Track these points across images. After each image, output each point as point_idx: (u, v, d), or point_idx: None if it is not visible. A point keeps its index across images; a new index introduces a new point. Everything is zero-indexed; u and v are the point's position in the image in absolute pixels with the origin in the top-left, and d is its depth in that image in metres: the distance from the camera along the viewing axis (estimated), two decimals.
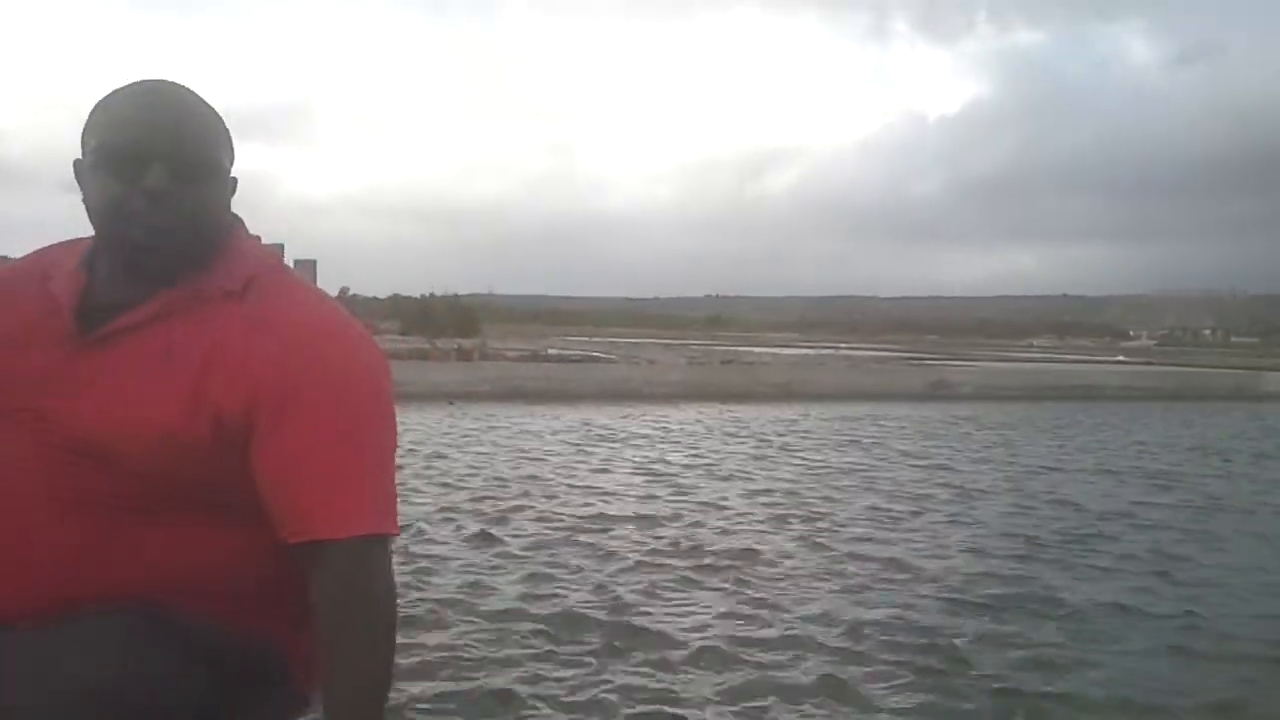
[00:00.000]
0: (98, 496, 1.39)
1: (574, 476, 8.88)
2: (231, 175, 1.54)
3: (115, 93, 1.48)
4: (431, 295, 49.32)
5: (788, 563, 5.78)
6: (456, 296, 49.62)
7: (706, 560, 5.73)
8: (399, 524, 1.50)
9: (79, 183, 1.50)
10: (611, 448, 11.16)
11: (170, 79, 1.51)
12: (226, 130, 1.54)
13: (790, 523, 7.03)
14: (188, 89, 1.50)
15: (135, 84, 1.49)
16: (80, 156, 1.49)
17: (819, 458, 10.85)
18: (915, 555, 6.05)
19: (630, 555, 5.78)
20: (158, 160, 1.41)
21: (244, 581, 1.49)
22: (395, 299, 54.23)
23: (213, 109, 1.52)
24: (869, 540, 6.50)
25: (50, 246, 1.62)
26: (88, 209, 1.47)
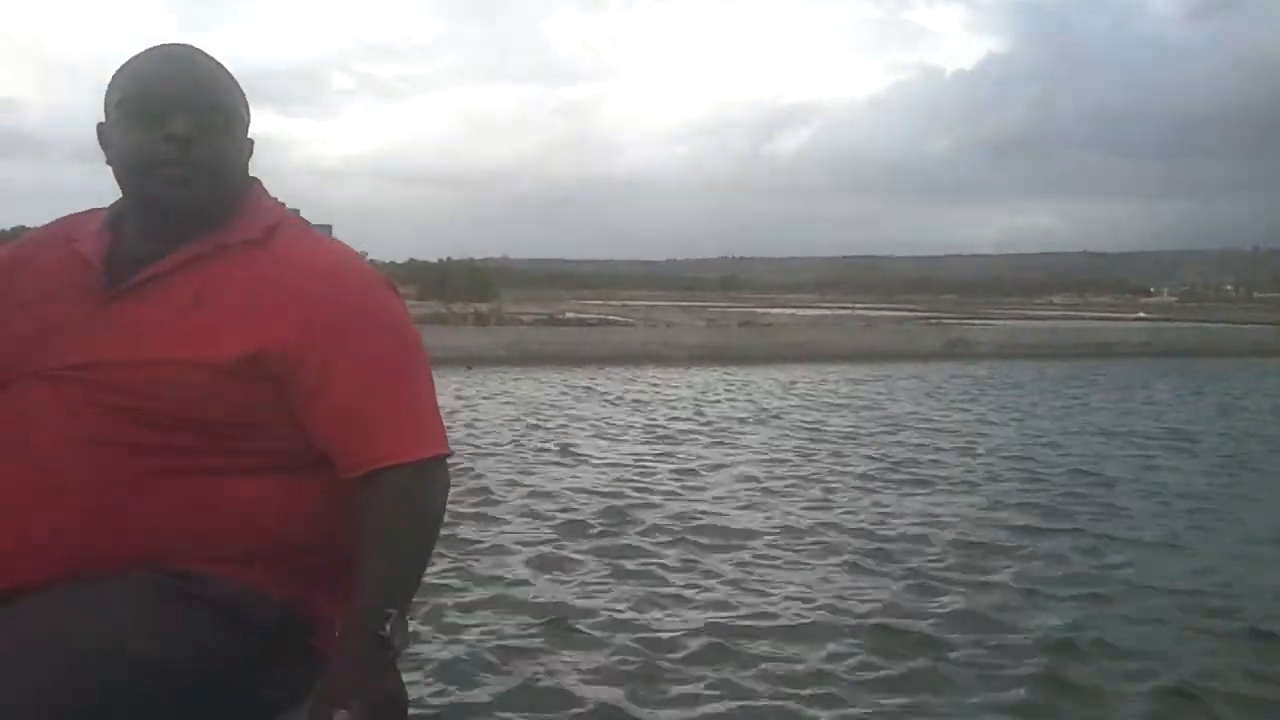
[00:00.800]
0: (127, 449, 1.41)
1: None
2: (249, 136, 1.60)
3: (136, 56, 1.54)
4: (448, 260, 49.34)
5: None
6: (473, 261, 49.62)
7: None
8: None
9: (103, 145, 1.55)
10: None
11: (190, 45, 1.57)
12: (242, 90, 1.59)
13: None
14: (207, 54, 1.56)
15: (155, 47, 1.55)
16: (103, 120, 1.54)
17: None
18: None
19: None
20: (180, 108, 1.47)
21: (268, 540, 1.50)
22: (412, 264, 54.27)
23: (231, 75, 1.58)
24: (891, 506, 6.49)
25: (71, 215, 1.66)
26: (114, 165, 1.53)
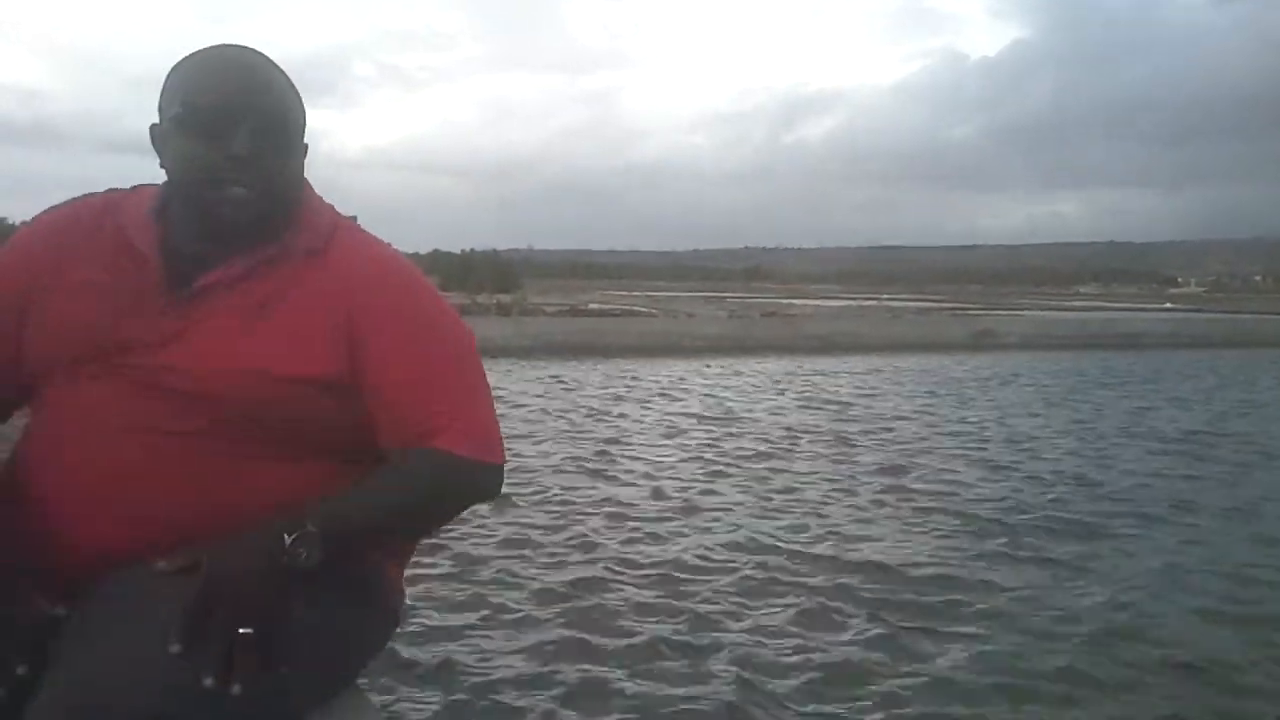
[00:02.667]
0: (194, 439, 1.44)
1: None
2: (303, 141, 1.59)
3: (193, 58, 1.52)
4: (471, 251, 49.50)
5: None
6: (496, 252, 49.72)
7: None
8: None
9: (157, 147, 1.53)
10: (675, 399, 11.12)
11: (244, 45, 1.54)
12: (300, 97, 1.58)
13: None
14: (264, 55, 1.55)
15: (212, 50, 1.52)
16: (157, 121, 1.52)
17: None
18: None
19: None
20: (242, 124, 1.45)
21: None
22: (435, 254, 54.41)
23: (289, 80, 1.56)
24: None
25: (112, 193, 1.64)
26: (170, 172, 1.51)
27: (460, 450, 1.49)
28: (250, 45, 1.55)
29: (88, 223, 1.57)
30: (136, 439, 1.43)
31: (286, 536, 1.38)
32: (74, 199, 1.64)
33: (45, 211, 1.62)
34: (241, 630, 1.30)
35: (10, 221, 37.13)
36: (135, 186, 1.64)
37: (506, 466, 1.57)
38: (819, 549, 5.18)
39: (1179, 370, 16.84)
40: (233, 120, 1.45)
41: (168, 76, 1.52)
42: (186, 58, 1.53)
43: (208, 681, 1.25)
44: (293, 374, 1.46)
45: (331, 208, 1.65)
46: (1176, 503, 6.50)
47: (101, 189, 1.68)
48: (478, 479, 1.54)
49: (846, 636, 3.92)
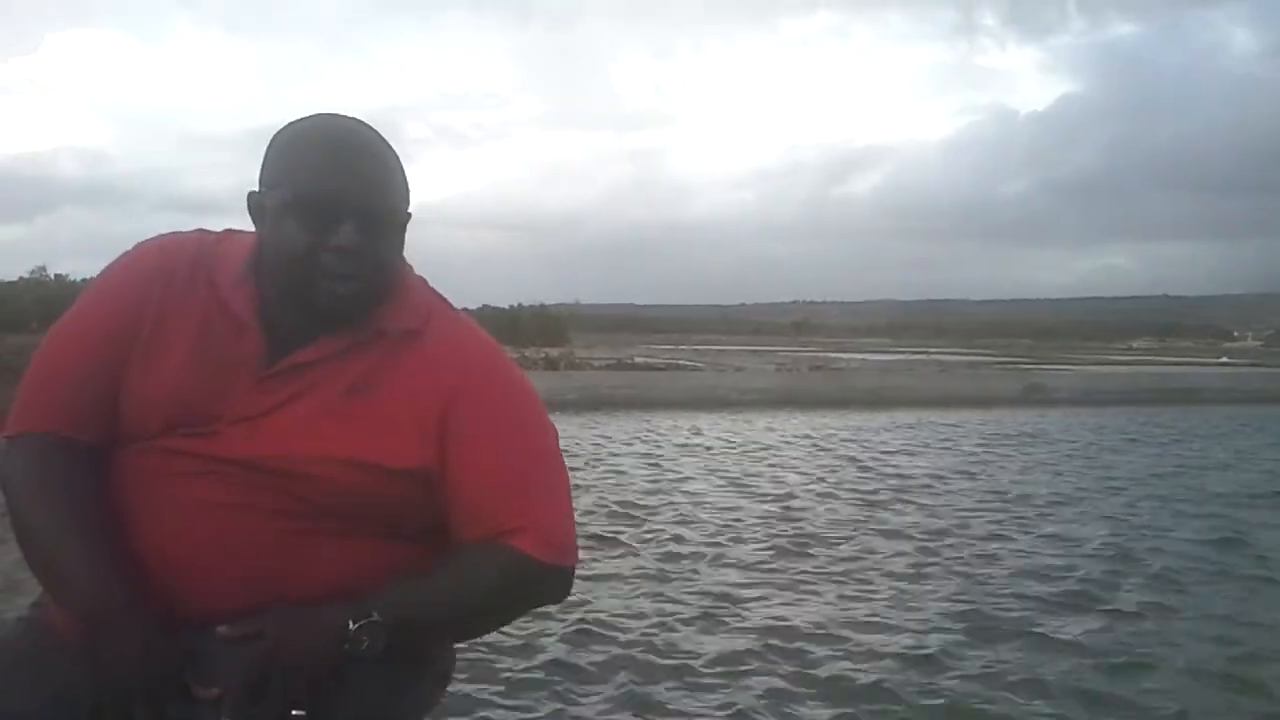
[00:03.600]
0: (276, 516, 1.43)
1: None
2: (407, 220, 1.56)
3: (302, 133, 1.48)
4: (519, 306, 49.76)
5: None
6: (544, 306, 49.94)
7: None
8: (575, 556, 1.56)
9: (254, 217, 1.51)
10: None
11: (353, 118, 1.51)
12: (405, 175, 1.54)
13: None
14: (373, 131, 1.51)
15: (322, 125, 1.49)
16: (257, 190, 1.50)
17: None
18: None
19: None
20: (350, 217, 1.43)
21: None
22: (484, 309, 54.78)
23: (394, 152, 1.52)
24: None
25: (206, 239, 1.60)
26: (269, 251, 1.49)
27: (533, 552, 1.47)
28: (357, 118, 1.51)
29: (185, 273, 1.53)
30: (214, 512, 1.43)
31: (352, 624, 1.39)
32: (164, 238, 1.60)
33: (139, 250, 1.58)
34: (295, 712, 1.32)
35: (73, 278, 37.94)
36: (225, 233, 1.61)
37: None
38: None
39: (1238, 426, 16.48)
40: (341, 213, 1.42)
41: (271, 145, 1.49)
42: (292, 129, 1.49)
43: None
44: (381, 463, 1.45)
45: (425, 283, 1.63)
46: None
47: (167, 231, 1.63)
48: (547, 581, 1.52)
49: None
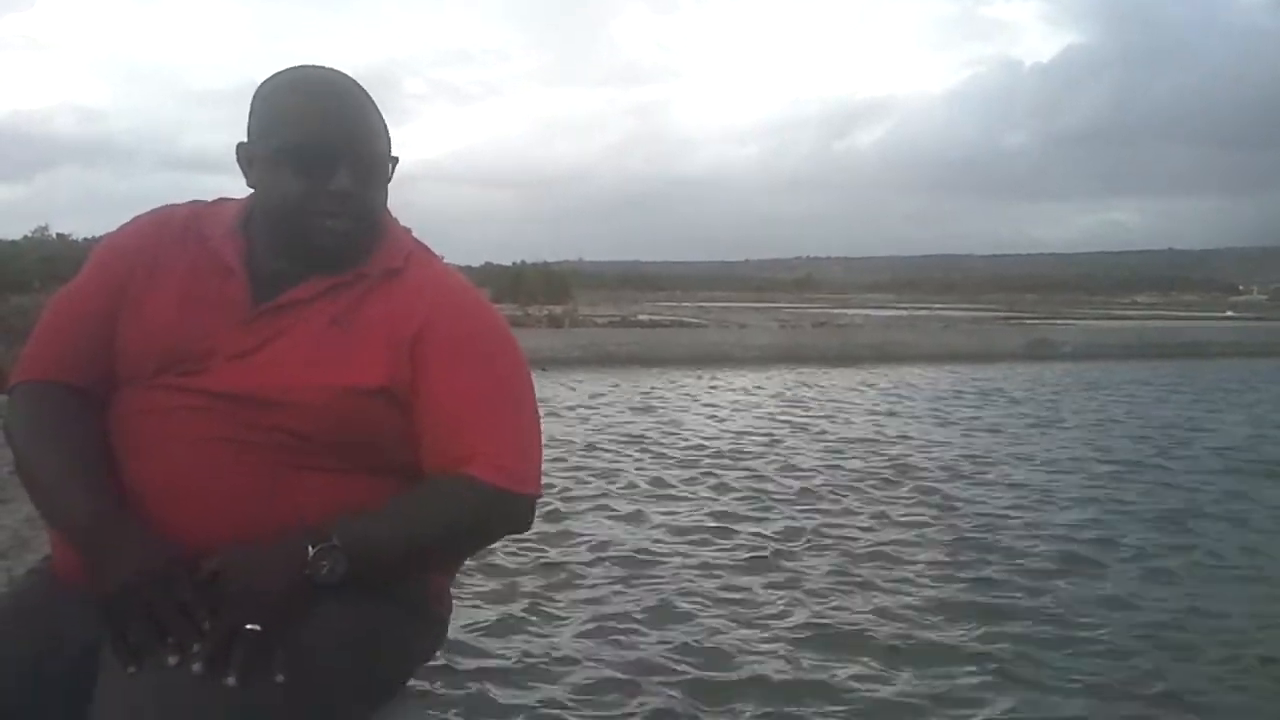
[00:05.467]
0: (264, 450, 1.49)
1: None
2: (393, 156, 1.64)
3: (285, 85, 1.58)
4: (522, 263, 49.78)
5: None
6: (547, 264, 49.95)
7: None
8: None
9: (244, 166, 1.60)
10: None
11: (331, 68, 1.60)
12: (385, 121, 1.63)
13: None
14: (354, 82, 1.60)
15: (303, 76, 1.58)
16: (245, 141, 1.59)
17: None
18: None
19: None
20: (344, 163, 1.52)
21: None
22: (487, 267, 54.73)
23: (374, 101, 1.61)
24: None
25: (197, 204, 1.71)
26: (262, 199, 1.58)
27: (491, 478, 1.52)
28: (335, 68, 1.60)
29: (176, 232, 1.64)
30: (208, 447, 1.49)
31: (310, 549, 1.41)
32: (160, 208, 1.71)
33: (135, 220, 1.69)
34: (247, 626, 1.33)
35: (75, 238, 37.98)
36: (217, 200, 1.71)
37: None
38: None
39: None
40: (335, 158, 1.51)
41: (257, 97, 1.58)
42: (276, 80, 1.58)
43: (196, 668, 1.28)
44: (357, 383, 1.51)
45: (409, 232, 1.71)
46: None
47: (162, 204, 1.73)
48: (506, 509, 1.56)
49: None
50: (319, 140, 1.51)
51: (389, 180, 1.63)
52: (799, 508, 6.17)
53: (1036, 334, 24.23)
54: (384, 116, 1.62)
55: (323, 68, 1.60)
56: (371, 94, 1.58)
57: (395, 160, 1.63)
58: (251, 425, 1.49)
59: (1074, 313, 47.34)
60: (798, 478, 7.17)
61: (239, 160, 1.60)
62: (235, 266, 1.57)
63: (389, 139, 1.62)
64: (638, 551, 5.05)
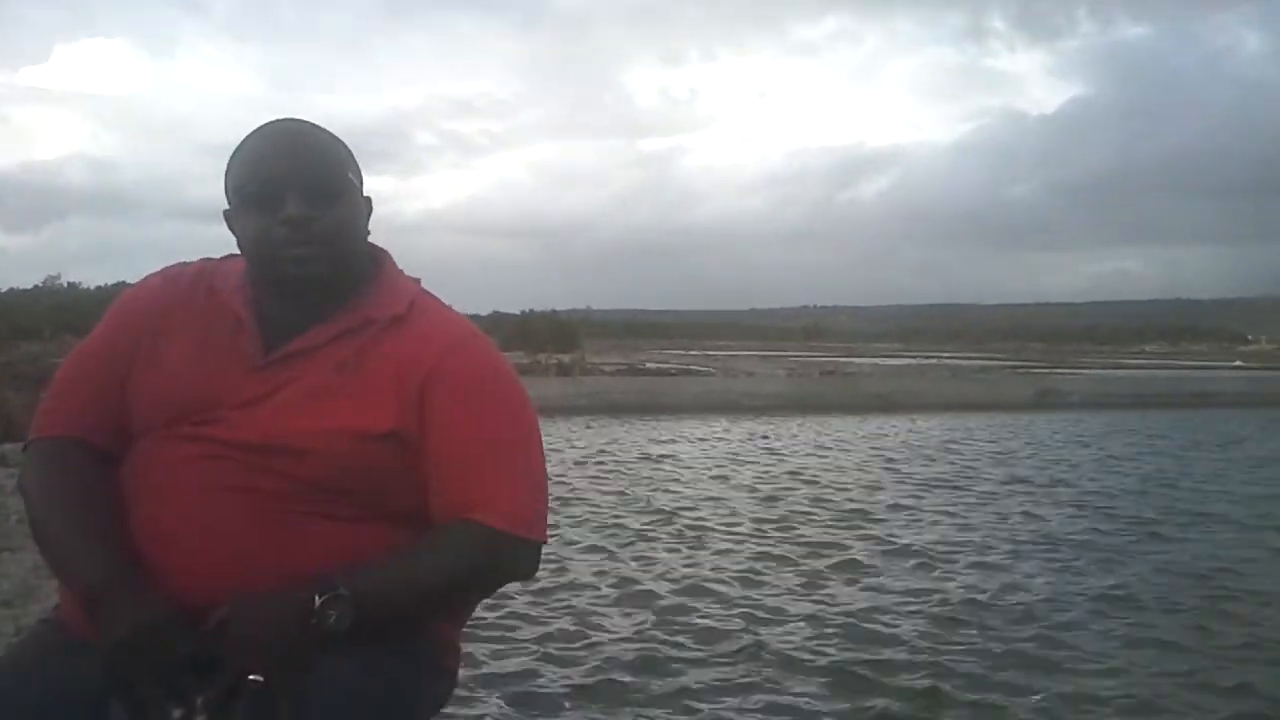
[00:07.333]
0: (274, 498, 1.49)
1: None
2: (365, 195, 1.66)
3: (245, 140, 1.61)
4: (530, 312, 49.90)
5: None
6: (555, 312, 50.08)
7: None
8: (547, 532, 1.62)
9: (231, 230, 1.63)
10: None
11: (291, 116, 1.64)
12: (350, 152, 1.65)
13: None
14: (308, 122, 1.63)
15: (260, 127, 1.62)
16: (228, 207, 1.62)
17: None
18: None
19: None
20: (290, 190, 1.53)
21: None
22: (495, 315, 54.90)
23: (334, 135, 1.64)
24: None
25: (207, 261, 1.74)
26: (242, 249, 1.62)
27: (496, 524, 1.51)
28: (297, 117, 1.64)
29: (187, 287, 1.67)
30: (217, 495, 1.49)
31: (317, 598, 1.40)
32: (171, 266, 1.74)
33: (147, 277, 1.72)
34: (251, 677, 1.32)
35: (86, 286, 38.24)
36: (226, 256, 1.73)
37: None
38: None
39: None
40: (282, 188, 1.53)
41: (228, 164, 1.61)
42: (241, 142, 1.62)
43: (177, 713, 1.30)
44: (366, 427, 1.51)
45: (415, 282, 1.73)
46: None
47: (171, 253, 1.78)
48: (511, 554, 1.56)
49: None
50: (266, 175, 1.54)
51: (363, 213, 1.65)
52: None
53: (1045, 383, 24.18)
54: (350, 151, 1.65)
55: (284, 119, 1.63)
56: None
57: (369, 201, 1.65)
58: (262, 472, 1.49)
59: (1081, 362, 47.18)
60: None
61: (229, 227, 1.64)
62: (244, 317, 1.59)
63: (351, 169, 1.62)
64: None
